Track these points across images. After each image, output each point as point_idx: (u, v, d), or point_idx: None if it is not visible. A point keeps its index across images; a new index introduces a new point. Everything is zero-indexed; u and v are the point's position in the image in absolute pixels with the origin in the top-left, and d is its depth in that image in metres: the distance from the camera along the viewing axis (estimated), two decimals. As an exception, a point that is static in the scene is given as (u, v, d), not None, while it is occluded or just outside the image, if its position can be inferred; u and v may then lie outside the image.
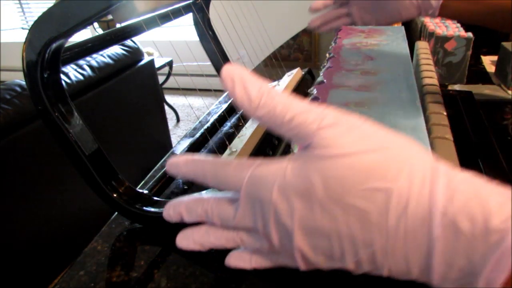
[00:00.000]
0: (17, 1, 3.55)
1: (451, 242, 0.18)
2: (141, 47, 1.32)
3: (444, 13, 0.55)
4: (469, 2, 0.54)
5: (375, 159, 0.20)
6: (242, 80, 0.22)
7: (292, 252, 0.22)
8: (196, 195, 0.26)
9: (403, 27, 0.55)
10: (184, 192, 0.49)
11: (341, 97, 0.38)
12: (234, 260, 0.26)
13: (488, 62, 0.87)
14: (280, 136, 0.23)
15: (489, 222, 0.17)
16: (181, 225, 0.41)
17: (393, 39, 0.50)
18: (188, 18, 0.65)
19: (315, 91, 0.39)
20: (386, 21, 0.56)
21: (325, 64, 0.48)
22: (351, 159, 0.20)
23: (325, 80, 0.43)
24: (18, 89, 0.91)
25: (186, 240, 0.26)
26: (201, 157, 0.25)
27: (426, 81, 0.45)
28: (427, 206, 0.18)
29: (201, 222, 0.26)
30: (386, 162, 0.20)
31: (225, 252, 0.38)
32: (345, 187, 0.20)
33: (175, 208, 0.26)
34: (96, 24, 2.60)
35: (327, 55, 0.49)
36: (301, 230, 0.21)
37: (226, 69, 0.22)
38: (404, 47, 0.47)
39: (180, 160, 0.25)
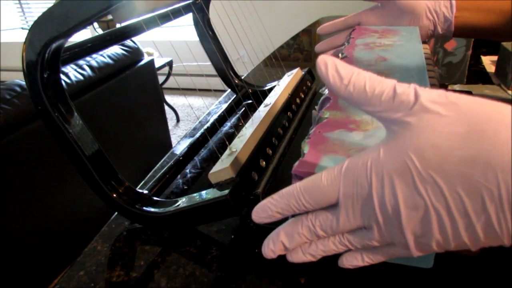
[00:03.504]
0: (17, 1, 3.55)
1: None
2: (141, 47, 1.32)
3: (459, 29, 0.55)
4: (484, 13, 0.54)
5: (469, 123, 0.19)
6: (334, 64, 0.23)
7: (403, 237, 0.22)
8: (289, 221, 0.26)
9: (417, 27, 0.55)
10: (184, 192, 0.49)
11: None
12: (347, 261, 0.27)
13: (488, 62, 0.87)
14: (372, 115, 0.23)
15: None
16: (178, 225, 0.41)
17: (407, 40, 0.50)
18: (188, 18, 0.65)
19: (326, 92, 0.39)
20: None
21: None
22: (445, 126, 0.19)
23: None
24: (18, 89, 0.91)
25: (296, 254, 0.27)
26: (282, 190, 0.25)
27: (426, 81, 0.45)
28: None
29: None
30: (481, 125, 0.19)
31: (225, 252, 0.38)
32: (442, 155, 0.19)
33: (274, 241, 0.26)
34: (96, 24, 2.60)
35: (340, 55, 0.49)
36: (407, 209, 0.21)
37: (321, 57, 0.24)
38: (418, 47, 0.47)
39: (265, 203, 0.26)
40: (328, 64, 0.23)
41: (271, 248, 0.26)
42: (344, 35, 0.60)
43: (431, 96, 0.20)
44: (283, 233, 0.26)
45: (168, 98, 2.83)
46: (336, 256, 0.31)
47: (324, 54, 0.24)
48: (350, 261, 0.26)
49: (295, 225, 0.26)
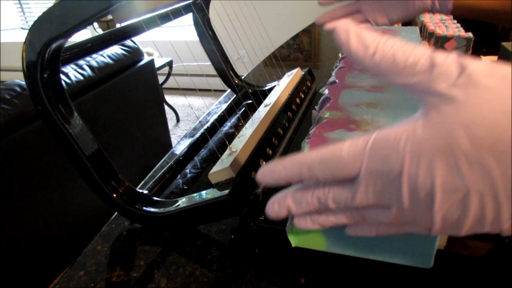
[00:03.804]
0: (17, 1, 3.55)
1: None
2: (141, 47, 1.32)
3: (457, 7, 0.54)
4: None
5: None
6: (356, 31, 0.21)
7: (428, 220, 0.20)
8: (298, 186, 0.25)
9: (417, 28, 0.55)
10: (184, 192, 0.49)
11: (353, 97, 0.38)
12: (355, 231, 0.25)
13: (488, 62, 0.87)
14: (402, 86, 0.21)
15: None
16: (178, 225, 0.41)
17: (407, 40, 0.50)
18: (188, 18, 0.65)
19: (326, 91, 0.39)
20: (399, 15, 0.55)
21: (337, 64, 0.48)
22: (498, 102, 0.17)
23: (337, 80, 0.42)
24: (18, 89, 0.91)
25: (305, 222, 0.25)
26: (294, 157, 0.23)
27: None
28: None
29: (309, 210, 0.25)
30: None
31: (225, 252, 0.38)
32: (495, 134, 0.17)
33: (280, 203, 0.25)
34: (96, 24, 2.60)
35: (340, 55, 0.49)
36: (444, 192, 0.19)
37: (341, 24, 0.22)
38: None
39: (274, 166, 0.24)
40: (350, 31, 0.21)
41: (275, 209, 0.25)
42: (345, 7, 0.59)
43: (479, 68, 0.18)
44: (291, 198, 0.24)
45: (168, 98, 2.84)
46: (336, 257, 0.31)
47: (342, 20, 0.22)
48: (360, 232, 0.25)
49: (304, 193, 0.24)
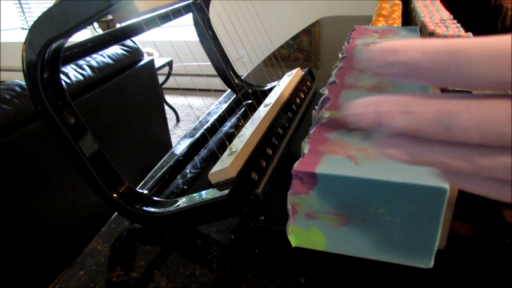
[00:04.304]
0: (17, 1, 3.55)
1: None
2: (141, 47, 1.32)
3: None
4: None
5: None
6: None
7: None
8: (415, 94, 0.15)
9: (417, 28, 0.55)
10: (184, 192, 0.49)
11: (353, 97, 0.38)
12: (457, 182, 0.16)
13: (488, 62, 0.87)
14: None
15: None
16: (178, 225, 0.41)
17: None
18: (188, 18, 0.65)
19: (326, 91, 0.39)
20: None
21: (337, 64, 0.48)
22: None
23: (337, 80, 0.42)
24: (18, 89, 0.91)
25: (393, 146, 0.16)
26: (440, 41, 0.14)
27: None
28: None
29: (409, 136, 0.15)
30: None
31: (225, 252, 0.38)
32: None
33: (376, 105, 0.15)
34: (96, 24, 2.60)
35: (340, 55, 0.49)
36: None
37: None
38: None
39: (402, 43, 0.14)
40: None
41: (361, 110, 0.15)
42: None
43: None
44: (398, 104, 0.15)
45: (168, 98, 2.84)
46: (336, 257, 0.31)
47: None
48: (463, 185, 0.16)
49: (427, 101, 0.14)
